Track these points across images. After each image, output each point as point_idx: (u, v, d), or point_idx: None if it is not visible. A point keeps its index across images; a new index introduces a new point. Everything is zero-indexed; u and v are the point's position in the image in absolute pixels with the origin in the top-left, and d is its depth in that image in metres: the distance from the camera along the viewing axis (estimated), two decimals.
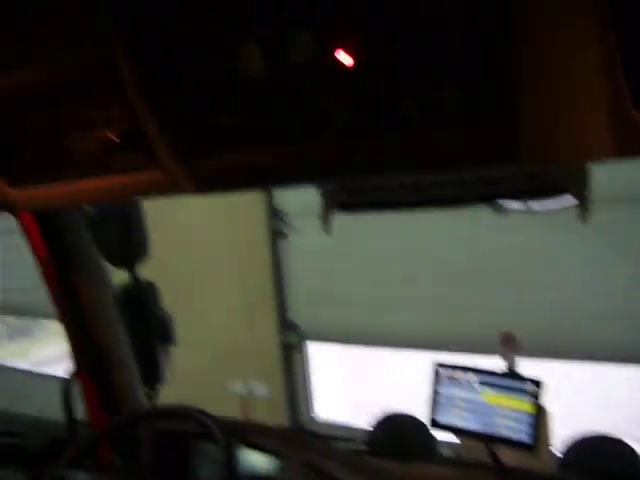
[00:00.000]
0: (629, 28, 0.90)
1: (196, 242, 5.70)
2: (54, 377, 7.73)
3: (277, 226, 5.70)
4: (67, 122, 1.75)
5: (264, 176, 1.37)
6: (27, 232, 2.55)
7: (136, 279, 2.66)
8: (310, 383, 6.24)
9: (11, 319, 8.95)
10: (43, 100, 1.76)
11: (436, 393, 2.67)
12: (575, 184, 1.58)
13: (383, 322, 5.42)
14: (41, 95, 1.74)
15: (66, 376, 2.65)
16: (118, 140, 1.59)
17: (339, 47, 1.11)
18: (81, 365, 2.68)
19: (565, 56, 0.96)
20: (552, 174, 1.57)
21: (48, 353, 8.35)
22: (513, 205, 1.74)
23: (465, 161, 1.13)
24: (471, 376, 2.60)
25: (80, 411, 2.71)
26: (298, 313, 5.94)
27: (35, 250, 2.57)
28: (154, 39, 1.28)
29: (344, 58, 1.11)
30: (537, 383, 2.46)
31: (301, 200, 5.17)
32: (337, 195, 1.76)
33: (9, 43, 1.48)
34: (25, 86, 1.73)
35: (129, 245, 2.55)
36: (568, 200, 1.61)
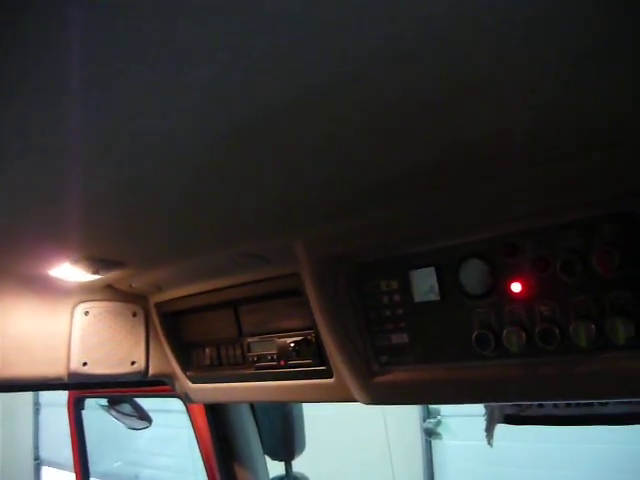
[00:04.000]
0: None
1: (349, 438, 5.65)
2: None
3: (431, 426, 5.58)
4: (247, 327, 1.91)
5: (434, 393, 1.42)
6: (194, 418, 2.67)
7: (292, 473, 2.69)
8: None
9: None
10: (228, 307, 1.94)
11: None
12: None
13: None
14: (227, 302, 1.92)
15: None
16: (296, 348, 1.71)
17: (511, 277, 1.19)
18: None
19: None
20: None
21: None
22: None
23: (632, 390, 1.13)
24: None
25: None
26: None
27: (199, 435, 2.67)
28: (338, 265, 1.43)
29: (517, 287, 1.19)
30: None
31: None
32: (502, 408, 1.76)
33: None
34: (213, 296, 1.93)
35: (289, 441, 2.61)
36: None
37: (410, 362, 1.39)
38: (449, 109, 0.83)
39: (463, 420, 5.32)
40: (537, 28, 0.63)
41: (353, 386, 1.52)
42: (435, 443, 5.68)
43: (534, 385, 1.23)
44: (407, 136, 0.93)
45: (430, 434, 5.64)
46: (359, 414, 5.11)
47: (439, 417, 5.59)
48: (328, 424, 4.96)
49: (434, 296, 1.31)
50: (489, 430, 1.81)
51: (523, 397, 1.34)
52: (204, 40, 0.64)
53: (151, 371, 2.18)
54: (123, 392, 2.87)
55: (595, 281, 1.09)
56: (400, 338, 1.39)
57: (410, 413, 5.56)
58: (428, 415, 5.61)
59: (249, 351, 1.89)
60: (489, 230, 1.20)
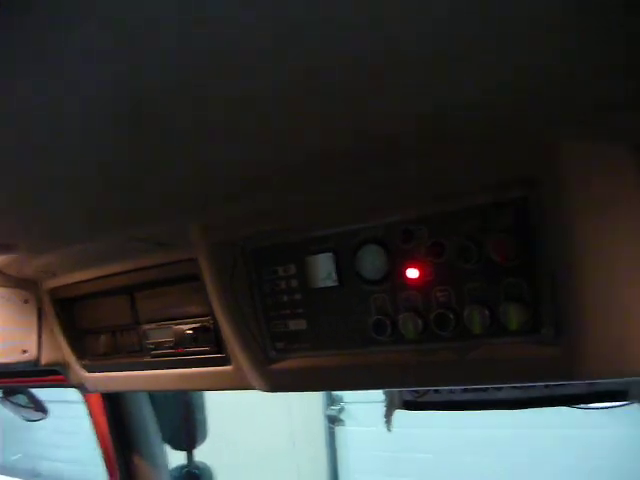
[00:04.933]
0: None
1: (252, 425, 5.64)
2: None
3: (334, 412, 5.63)
4: (144, 314, 1.87)
5: (332, 380, 1.41)
6: (92, 409, 2.60)
7: (193, 462, 2.67)
8: None
9: None
10: (123, 293, 1.89)
11: None
12: (637, 389, 1.59)
13: None
14: (122, 287, 1.87)
15: None
16: (193, 335, 1.67)
17: (408, 263, 1.20)
18: None
19: (622, 283, 1.01)
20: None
21: None
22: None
23: (525, 375, 1.16)
24: None
25: None
26: None
27: (97, 427, 2.60)
28: (235, 250, 1.41)
29: (413, 273, 1.19)
30: None
31: None
32: (400, 394, 1.78)
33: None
34: (108, 281, 1.87)
35: (190, 430, 2.58)
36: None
37: (307, 348, 1.38)
38: (345, 93, 0.82)
39: (366, 407, 5.39)
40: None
41: (250, 373, 1.50)
42: (338, 430, 5.73)
43: (430, 371, 1.23)
44: (305, 122, 0.91)
45: (333, 421, 5.69)
46: (264, 402, 5.13)
47: (342, 404, 5.65)
48: (231, 412, 4.94)
49: (332, 282, 1.30)
50: (388, 416, 1.83)
51: (420, 383, 1.35)
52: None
53: (43, 360, 2.10)
54: (16, 382, 2.78)
55: (490, 267, 1.10)
56: (297, 324, 1.38)
57: (314, 400, 5.59)
58: (331, 402, 5.66)
59: (146, 338, 1.84)
60: (386, 216, 1.20)
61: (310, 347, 1.38)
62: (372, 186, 1.15)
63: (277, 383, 1.47)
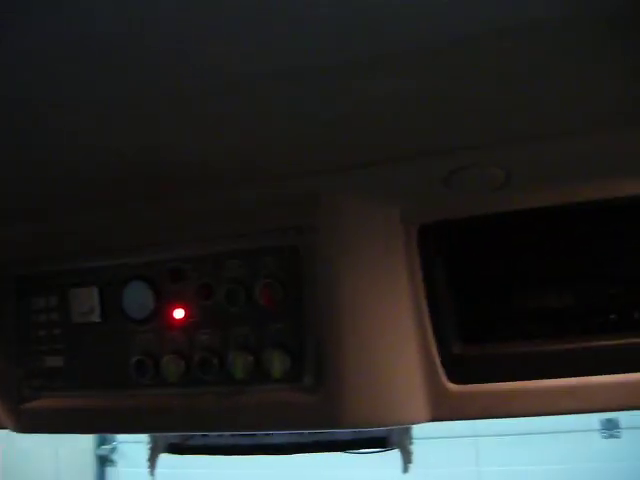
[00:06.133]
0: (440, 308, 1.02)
1: (11, 464, 5.24)
2: None
3: (105, 452, 5.41)
4: None
5: (90, 423, 1.32)
6: None
7: None
8: None
9: None
10: None
11: None
12: (396, 437, 1.65)
13: None
14: None
15: None
16: None
17: (175, 303, 1.16)
18: None
19: (381, 336, 1.04)
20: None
21: None
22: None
23: (287, 423, 1.16)
24: None
25: None
26: None
27: None
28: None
29: (179, 314, 1.15)
30: None
31: None
32: (166, 437, 1.72)
33: None
34: None
35: None
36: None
37: (65, 388, 1.29)
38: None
39: (141, 446, 5.24)
40: None
41: (1, 412, 1.38)
42: (110, 471, 5.52)
43: (193, 416, 1.20)
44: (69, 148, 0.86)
45: (104, 461, 5.47)
46: (26, 440, 4.80)
47: (115, 443, 5.45)
48: None
49: (95, 318, 1.23)
50: (152, 459, 1.76)
51: (182, 428, 1.31)
52: None
53: None
54: None
55: (256, 312, 1.09)
56: (55, 361, 1.29)
57: (84, 438, 5.34)
58: (103, 441, 5.44)
59: None
60: (154, 253, 1.16)
61: (68, 386, 1.29)
62: (140, 220, 1.11)
63: (30, 424, 1.36)
